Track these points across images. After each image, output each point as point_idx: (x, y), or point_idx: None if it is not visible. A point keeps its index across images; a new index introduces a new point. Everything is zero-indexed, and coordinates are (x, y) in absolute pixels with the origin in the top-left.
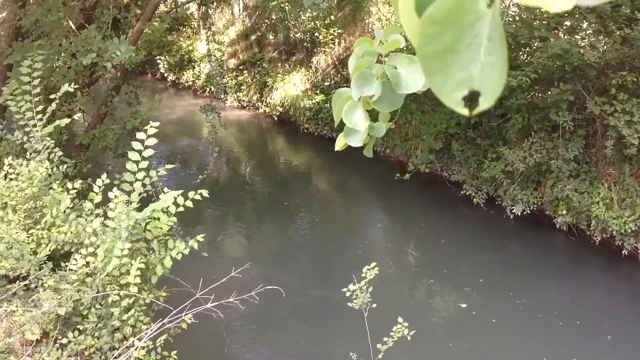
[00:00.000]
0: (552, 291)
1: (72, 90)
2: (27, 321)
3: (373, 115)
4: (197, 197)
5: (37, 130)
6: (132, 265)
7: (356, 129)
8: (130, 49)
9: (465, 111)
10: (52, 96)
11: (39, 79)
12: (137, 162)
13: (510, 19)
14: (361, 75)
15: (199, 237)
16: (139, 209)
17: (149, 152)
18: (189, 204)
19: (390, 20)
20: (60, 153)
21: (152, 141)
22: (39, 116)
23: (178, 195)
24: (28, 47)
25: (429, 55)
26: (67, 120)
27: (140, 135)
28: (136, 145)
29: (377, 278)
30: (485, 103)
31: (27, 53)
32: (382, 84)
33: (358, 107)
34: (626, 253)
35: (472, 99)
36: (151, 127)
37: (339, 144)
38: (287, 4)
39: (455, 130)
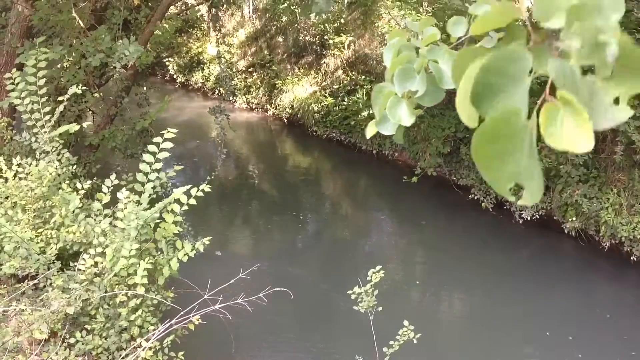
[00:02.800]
0: (561, 297)
1: (80, 92)
2: (35, 320)
3: None
4: (200, 193)
5: (46, 132)
6: (139, 265)
7: (402, 124)
8: (138, 49)
9: (512, 198)
10: (60, 98)
11: (45, 79)
12: (150, 164)
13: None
14: (403, 70)
15: (205, 240)
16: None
17: (163, 155)
18: (193, 201)
19: (400, 24)
20: (68, 155)
21: (168, 145)
22: (47, 117)
23: (187, 189)
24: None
25: (483, 156)
26: (76, 127)
27: (157, 139)
28: (152, 148)
29: (383, 281)
30: (528, 199)
31: (32, 51)
32: (424, 79)
33: (402, 102)
34: (635, 259)
35: (518, 190)
36: (169, 131)
37: (370, 131)
38: (297, 7)
39: (463, 134)
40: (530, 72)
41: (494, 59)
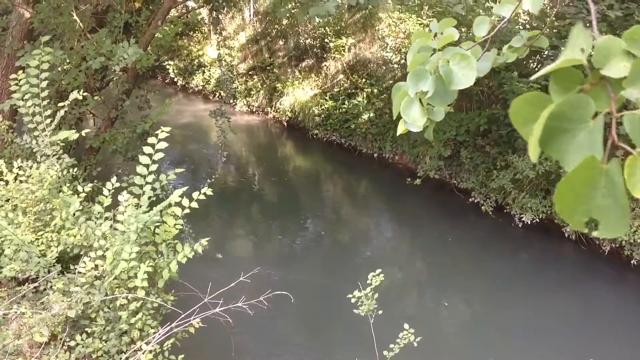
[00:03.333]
0: (561, 300)
1: (80, 97)
2: (36, 323)
3: None
4: (202, 197)
5: (47, 135)
6: (140, 268)
7: (415, 123)
8: (138, 52)
9: (587, 230)
10: (60, 104)
11: (47, 81)
12: (147, 166)
13: (521, 27)
14: (416, 71)
15: (204, 241)
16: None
17: (159, 156)
18: (195, 204)
19: (401, 28)
20: (68, 159)
21: (163, 145)
22: (48, 120)
23: (184, 191)
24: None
25: (564, 198)
26: (75, 135)
27: (151, 139)
28: (147, 149)
29: (384, 284)
30: (603, 232)
31: (35, 53)
32: (436, 79)
33: (415, 102)
34: (635, 263)
35: (593, 225)
36: (162, 131)
37: (401, 129)
38: (297, 9)
39: (464, 137)
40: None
41: (560, 105)
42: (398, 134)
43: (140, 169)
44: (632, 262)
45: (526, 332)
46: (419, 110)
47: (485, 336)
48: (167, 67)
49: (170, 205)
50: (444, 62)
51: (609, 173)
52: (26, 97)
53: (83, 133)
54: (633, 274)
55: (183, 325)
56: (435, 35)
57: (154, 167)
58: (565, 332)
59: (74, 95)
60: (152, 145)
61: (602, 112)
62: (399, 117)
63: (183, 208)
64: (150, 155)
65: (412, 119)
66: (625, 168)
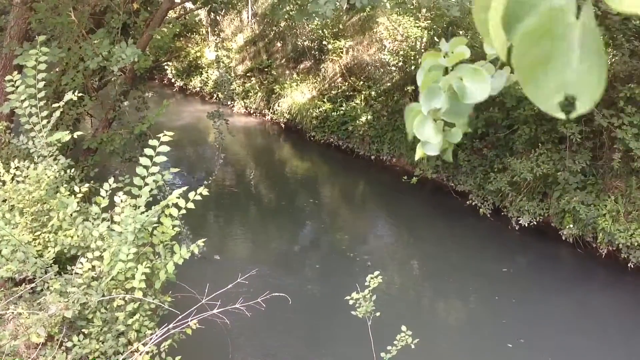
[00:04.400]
0: (558, 303)
1: (75, 98)
2: (33, 324)
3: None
4: (198, 197)
5: (43, 136)
6: (137, 269)
7: (429, 141)
8: (135, 52)
9: (562, 115)
10: (54, 105)
11: (44, 82)
12: (147, 168)
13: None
14: (429, 89)
15: (200, 242)
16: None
17: (160, 159)
18: (191, 205)
19: (398, 30)
20: (64, 160)
21: (165, 149)
22: (44, 121)
23: (182, 192)
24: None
25: (524, 67)
26: (67, 137)
27: (153, 142)
28: (148, 151)
29: (381, 286)
30: (582, 107)
31: (32, 51)
32: (449, 96)
33: (428, 120)
34: (632, 266)
35: (569, 104)
36: (165, 134)
37: (419, 154)
38: (294, 11)
39: (461, 140)
40: None
41: None
42: (417, 158)
43: (139, 170)
44: (629, 265)
45: (523, 334)
46: (432, 127)
47: (482, 338)
48: (166, 68)
49: (167, 206)
50: (456, 79)
51: (585, 27)
52: (23, 97)
53: (75, 135)
54: (630, 277)
55: (180, 327)
56: (446, 54)
57: (154, 169)
58: (562, 335)
59: (69, 95)
60: (154, 148)
61: None
62: (415, 140)
63: (179, 209)
64: (151, 157)
65: (426, 136)
66: None
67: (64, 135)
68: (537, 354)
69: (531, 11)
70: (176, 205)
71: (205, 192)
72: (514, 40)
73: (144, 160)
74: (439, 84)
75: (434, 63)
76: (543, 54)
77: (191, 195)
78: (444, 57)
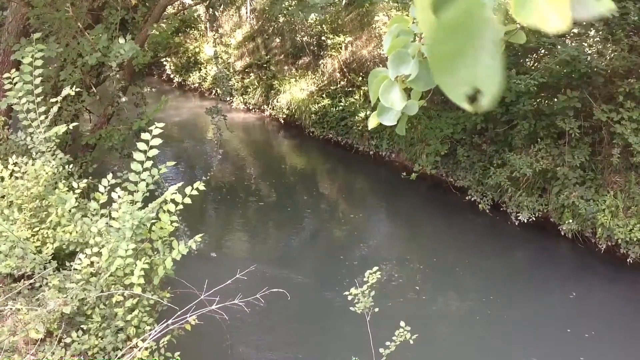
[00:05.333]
0: (557, 298)
1: (73, 93)
2: (32, 320)
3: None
4: (195, 192)
5: (41, 132)
6: (136, 265)
7: (393, 107)
8: (134, 48)
9: (467, 107)
10: (52, 100)
11: (42, 78)
12: (141, 163)
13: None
14: (397, 54)
15: (197, 238)
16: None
17: (153, 152)
18: (188, 200)
19: None
20: (62, 155)
21: (157, 141)
22: (42, 117)
23: (179, 187)
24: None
25: (438, 56)
26: (63, 128)
27: (144, 135)
28: (141, 146)
29: (380, 282)
30: (486, 102)
31: (28, 48)
32: (419, 63)
33: (395, 86)
34: (631, 261)
35: (476, 97)
36: (156, 127)
37: (372, 123)
38: (292, 7)
39: (460, 135)
40: None
41: None
42: (370, 127)
43: (134, 166)
44: (628, 260)
45: (522, 329)
46: (398, 93)
47: (481, 334)
48: (165, 63)
49: (165, 201)
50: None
51: (495, 24)
52: (20, 94)
53: (71, 126)
54: (629, 272)
55: (179, 323)
56: (414, 20)
57: (148, 164)
58: (561, 330)
59: (67, 90)
60: (147, 142)
61: None
62: (374, 109)
63: (177, 204)
64: (144, 152)
65: (391, 102)
66: None
67: (61, 128)
68: (536, 348)
69: None
70: (173, 201)
71: (201, 186)
72: (430, 30)
73: (137, 155)
74: (408, 50)
75: (403, 28)
76: (457, 47)
77: (187, 190)
78: (414, 23)
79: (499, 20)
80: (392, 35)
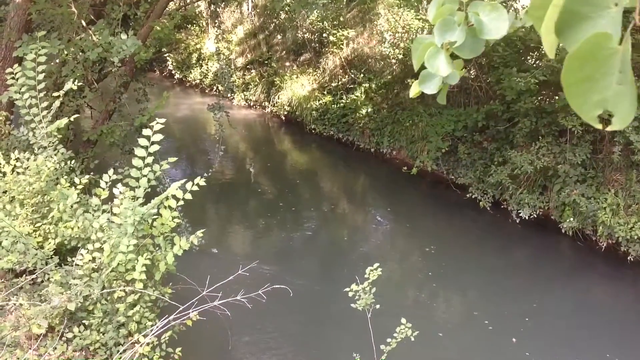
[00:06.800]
0: (557, 296)
1: (75, 87)
2: (35, 315)
3: None
4: (196, 187)
5: (43, 127)
6: (137, 261)
7: (438, 73)
8: (136, 43)
9: (600, 126)
10: (55, 94)
11: (44, 74)
12: (143, 159)
13: (521, 18)
14: (444, 22)
15: (199, 233)
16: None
17: (154, 148)
18: (188, 196)
19: (399, 22)
20: (64, 150)
21: (158, 137)
22: (44, 112)
23: (182, 184)
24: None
25: (572, 83)
26: (65, 121)
27: (146, 131)
28: (142, 141)
29: (381, 279)
30: (617, 124)
31: (32, 46)
32: (465, 30)
33: (441, 52)
34: (632, 259)
35: (607, 118)
36: (157, 123)
37: (414, 91)
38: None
39: (462, 133)
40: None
41: None
42: (412, 95)
43: (136, 162)
44: (628, 258)
45: (522, 327)
46: (444, 59)
47: (481, 331)
48: (168, 59)
49: (167, 198)
50: (473, 14)
51: (625, 55)
52: (23, 89)
53: (72, 118)
54: (630, 270)
55: (181, 318)
56: None
57: (149, 160)
58: (562, 328)
59: (69, 85)
60: (148, 137)
61: None
62: (416, 77)
63: (177, 200)
64: (145, 148)
65: (437, 68)
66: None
67: (62, 122)
68: (537, 346)
69: (582, 22)
70: (174, 197)
71: (202, 182)
72: (564, 62)
73: (138, 151)
74: (454, 17)
75: None
76: (587, 74)
77: (188, 186)
78: None
79: (626, 48)
80: (438, 3)
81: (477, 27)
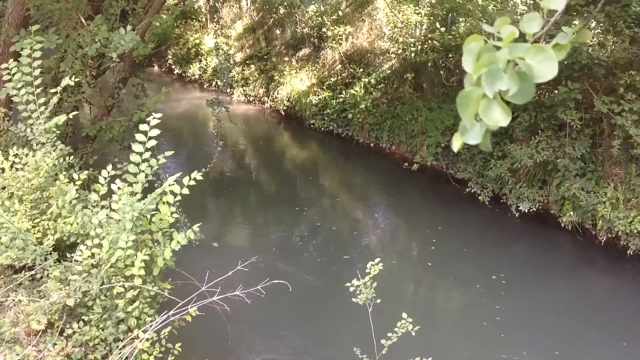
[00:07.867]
0: (557, 290)
1: (72, 83)
2: (34, 311)
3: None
4: (192, 182)
5: (41, 123)
6: (136, 257)
7: (498, 125)
8: (134, 38)
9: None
10: (52, 90)
11: (41, 70)
12: (140, 154)
13: (519, 17)
14: (491, 71)
15: (195, 228)
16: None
17: (152, 143)
18: (186, 191)
19: (398, 17)
20: (63, 146)
21: (155, 132)
22: (42, 108)
23: (178, 177)
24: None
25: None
26: (63, 118)
27: (143, 126)
28: (139, 137)
29: (381, 273)
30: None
31: (27, 41)
32: (515, 76)
33: (494, 104)
34: (631, 253)
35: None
36: (154, 118)
37: (457, 145)
38: None
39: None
40: None
41: None
42: (455, 149)
43: (133, 157)
44: (628, 252)
45: (522, 321)
46: (500, 109)
47: (481, 325)
48: (169, 54)
49: (165, 193)
50: (518, 59)
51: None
52: (19, 85)
53: (70, 115)
54: (629, 264)
55: (180, 314)
56: (489, 35)
57: (147, 155)
58: (561, 322)
59: (66, 81)
60: (145, 133)
61: None
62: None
63: (175, 195)
64: (143, 143)
65: (495, 120)
66: None
67: (61, 118)
68: (537, 339)
69: None
70: (172, 192)
71: (199, 177)
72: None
73: (136, 147)
74: (499, 65)
75: (483, 45)
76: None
77: (185, 180)
78: (495, 39)
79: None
80: (474, 55)
81: (527, 71)
